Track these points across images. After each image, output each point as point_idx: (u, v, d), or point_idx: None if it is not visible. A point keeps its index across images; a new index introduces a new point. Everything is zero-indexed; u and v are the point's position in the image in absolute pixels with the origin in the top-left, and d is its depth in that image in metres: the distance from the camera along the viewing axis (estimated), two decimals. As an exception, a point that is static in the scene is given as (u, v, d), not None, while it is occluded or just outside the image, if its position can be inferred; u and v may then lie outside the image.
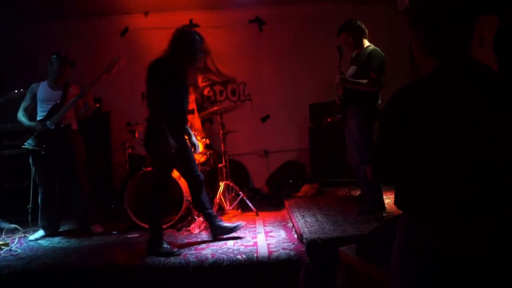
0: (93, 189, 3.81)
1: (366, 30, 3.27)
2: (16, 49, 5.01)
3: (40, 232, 3.62)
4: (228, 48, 5.24)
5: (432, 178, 1.26)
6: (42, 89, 3.63)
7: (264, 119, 5.22)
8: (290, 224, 3.44)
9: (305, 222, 3.17)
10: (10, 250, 3.18)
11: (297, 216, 3.39)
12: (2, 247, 3.20)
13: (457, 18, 1.27)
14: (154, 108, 2.84)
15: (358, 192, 3.86)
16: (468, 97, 1.22)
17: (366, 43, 3.28)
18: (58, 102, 3.57)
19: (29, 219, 3.73)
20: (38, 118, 3.58)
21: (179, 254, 2.80)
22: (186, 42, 2.92)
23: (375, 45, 3.29)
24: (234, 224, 3.15)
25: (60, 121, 3.53)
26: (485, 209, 1.20)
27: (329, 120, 4.63)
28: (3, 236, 3.55)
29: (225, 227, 3.13)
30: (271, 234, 3.23)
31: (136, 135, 3.96)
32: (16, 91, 3.95)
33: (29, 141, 3.48)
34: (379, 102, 3.29)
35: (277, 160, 5.11)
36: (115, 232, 3.56)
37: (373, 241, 2.17)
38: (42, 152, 3.47)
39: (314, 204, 3.81)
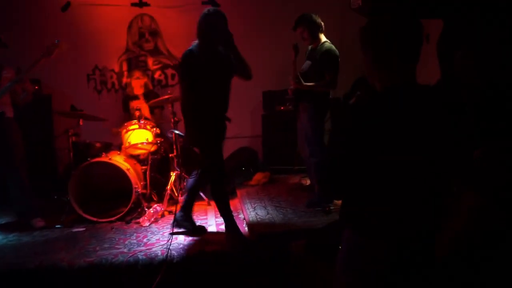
0: (34, 178, 3.59)
1: (323, 24, 3.27)
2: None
3: None
4: (181, 30, 5.00)
5: (376, 198, 1.31)
6: None
7: (217, 105, 5.11)
8: (241, 216, 3.47)
9: (256, 215, 3.22)
10: None
11: (248, 208, 3.43)
12: None
13: (404, 45, 1.30)
14: (185, 104, 2.78)
15: (308, 182, 3.96)
16: (412, 118, 1.27)
17: (323, 38, 3.29)
18: None
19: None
20: None
21: None
22: (208, 25, 2.76)
23: (328, 39, 3.31)
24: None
25: None
26: (425, 234, 1.28)
27: (282, 108, 4.69)
28: None
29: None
30: (222, 227, 3.23)
31: (81, 122, 3.73)
32: None
33: None
34: (330, 96, 3.35)
35: (230, 146, 4.98)
36: (58, 226, 3.39)
37: (321, 240, 2.26)
38: None
39: (266, 194, 3.86)
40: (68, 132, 3.70)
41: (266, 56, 5.00)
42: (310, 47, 3.38)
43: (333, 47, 3.22)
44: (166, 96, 3.87)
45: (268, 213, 3.25)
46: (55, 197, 3.91)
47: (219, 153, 2.89)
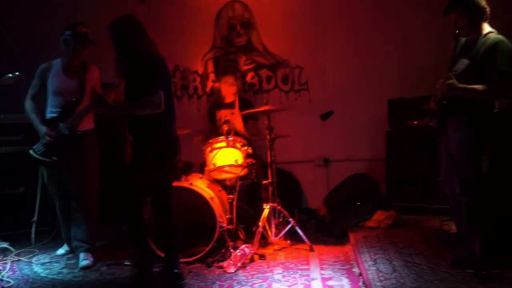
0: (102, 201, 3.97)
1: (488, 9, 3.08)
2: (5, 20, 5.20)
3: (66, 247, 4.00)
4: (281, 19, 5.19)
5: None
6: (55, 76, 3.74)
7: (325, 116, 5.15)
8: (356, 270, 3.40)
9: (377, 271, 3.13)
10: (1, 280, 3.39)
11: (366, 260, 3.35)
12: (-8, 275, 3.42)
13: None
14: None
15: (454, 229, 3.76)
16: None
17: (486, 28, 3.10)
18: (74, 99, 3.69)
19: (33, 236, 3.92)
20: (49, 115, 3.74)
21: None
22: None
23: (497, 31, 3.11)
24: None
25: (75, 126, 3.68)
26: None
27: (416, 122, 4.57)
28: (-7, 259, 3.82)
29: None
30: (330, 282, 3.20)
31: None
32: (10, 75, 4.16)
33: (38, 145, 3.63)
34: (496, 110, 3.14)
35: (341, 172, 5.07)
36: (128, 263, 3.68)
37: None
38: (54, 158, 3.65)
39: (391, 242, 3.75)
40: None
41: (396, 50, 4.96)
42: (464, 40, 3.21)
43: (504, 38, 3.01)
44: (263, 108, 4.01)
45: (394, 270, 3.13)
46: (124, 228, 4.26)
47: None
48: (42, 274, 3.55)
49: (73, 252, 3.95)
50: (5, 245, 4.05)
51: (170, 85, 3.29)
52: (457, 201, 3.26)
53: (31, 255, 3.91)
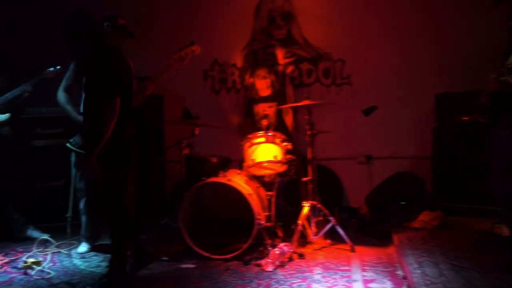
0: (138, 195, 4.02)
1: None
2: (45, 12, 5.34)
3: (86, 244, 4.02)
4: (323, 10, 5.15)
5: None
6: None
7: (368, 112, 5.08)
8: (400, 272, 3.34)
9: (422, 275, 3.05)
10: (42, 271, 3.51)
11: (411, 263, 3.27)
12: (34, 266, 3.54)
13: None
14: None
15: (506, 232, 3.63)
16: None
17: None
18: None
19: (68, 230, 4.04)
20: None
21: None
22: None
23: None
24: None
25: None
26: None
27: (465, 119, 4.49)
28: (34, 250, 3.94)
29: None
30: (372, 285, 3.16)
31: (196, 132, 4.08)
32: (51, 68, 4.31)
33: (76, 138, 3.72)
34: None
35: (384, 170, 5.02)
36: (165, 259, 3.75)
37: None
38: None
39: (437, 244, 3.66)
40: (181, 144, 4.08)
41: (444, 43, 4.88)
42: (519, 31, 3.11)
43: None
44: (303, 103, 3.97)
45: (441, 275, 3.04)
46: (162, 222, 4.34)
47: None
48: (81, 267, 3.65)
49: (93, 250, 3.99)
50: (46, 236, 4.18)
51: (130, 78, 3.22)
52: (508, 201, 3.17)
53: (71, 247, 4.03)
